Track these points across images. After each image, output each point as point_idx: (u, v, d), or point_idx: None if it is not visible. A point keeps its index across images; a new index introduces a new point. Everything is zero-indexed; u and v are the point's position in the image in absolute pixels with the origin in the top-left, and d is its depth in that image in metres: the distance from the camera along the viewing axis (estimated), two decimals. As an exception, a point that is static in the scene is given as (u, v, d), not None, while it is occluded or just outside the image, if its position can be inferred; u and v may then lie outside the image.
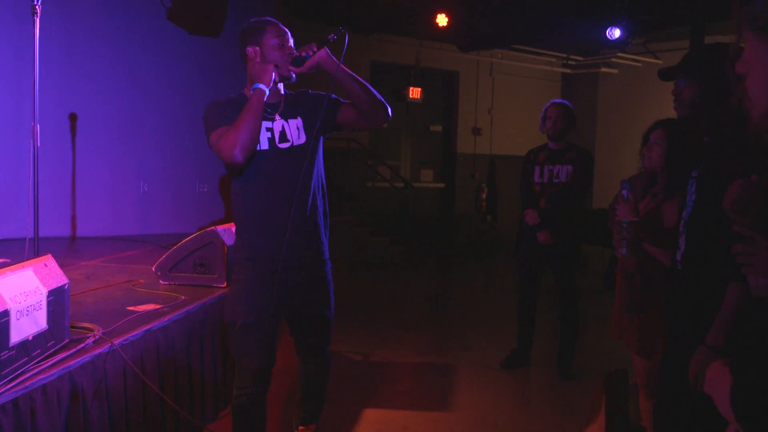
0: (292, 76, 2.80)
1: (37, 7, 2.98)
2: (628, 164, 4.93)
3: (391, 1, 7.90)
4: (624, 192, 3.05)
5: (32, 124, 3.21)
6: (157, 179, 6.77)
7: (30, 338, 2.26)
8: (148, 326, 3.01)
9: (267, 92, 2.66)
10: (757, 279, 1.50)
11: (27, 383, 2.18)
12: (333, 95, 2.81)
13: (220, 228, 3.99)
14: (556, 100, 4.95)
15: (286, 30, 2.85)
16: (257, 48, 2.77)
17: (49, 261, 2.56)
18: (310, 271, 2.82)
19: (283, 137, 2.76)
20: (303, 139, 2.78)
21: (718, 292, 2.09)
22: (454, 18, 8.43)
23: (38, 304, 2.32)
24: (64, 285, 2.55)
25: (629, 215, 2.98)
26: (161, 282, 3.97)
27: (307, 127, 2.79)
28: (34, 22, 2.98)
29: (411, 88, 11.19)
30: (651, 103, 11.83)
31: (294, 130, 2.78)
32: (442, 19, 8.33)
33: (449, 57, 11.67)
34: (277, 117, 2.77)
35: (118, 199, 6.57)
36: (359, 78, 2.76)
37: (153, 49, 6.62)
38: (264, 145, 2.72)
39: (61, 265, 2.68)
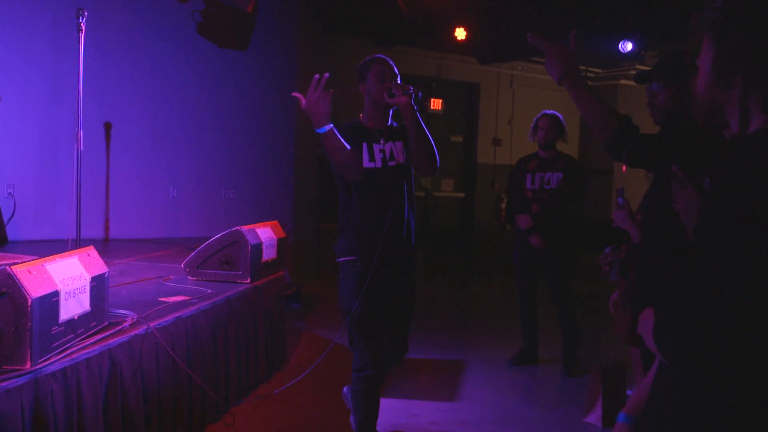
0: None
1: (82, 24, 3.30)
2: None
3: (413, 16, 8.18)
4: (620, 200, 3.31)
5: (76, 130, 3.53)
6: (185, 185, 7.10)
7: (75, 317, 2.56)
8: (179, 314, 3.30)
9: (325, 130, 3.15)
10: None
11: (73, 356, 2.47)
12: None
13: (244, 228, 4.27)
14: (548, 111, 5.26)
15: (392, 65, 3.36)
16: (363, 84, 3.36)
17: (91, 252, 2.86)
18: (404, 268, 3.39)
19: (392, 156, 3.32)
20: (403, 158, 3.34)
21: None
22: (473, 31, 8.70)
23: (83, 288, 2.62)
24: (105, 273, 2.84)
25: (625, 222, 3.22)
26: (189, 278, 4.26)
27: (406, 150, 3.35)
28: (78, 38, 3.30)
29: (432, 100, 11.44)
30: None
31: (398, 152, 3.34)
32: (460, 33, 8.61)
33: (470, 69, 11.91)
34: (382, 141, 3.33)
35: (148, 204, 6.90)
36: (425, 130, 3.27)
37: (184, 61, 6.97)
38: (378, 163, 3.29)
39: (102, 256, 2.97)
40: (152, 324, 3.02)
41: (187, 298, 3.66)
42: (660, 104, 2.59)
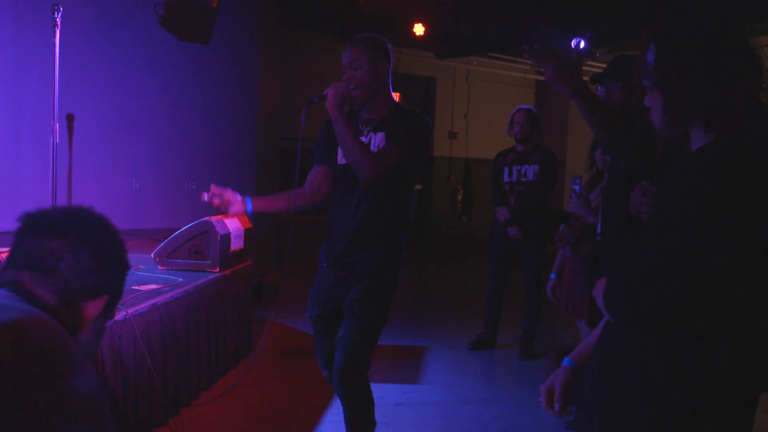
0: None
1: (57, 19, 3.38)
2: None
3: (372, 10, 8.32)
4: (576, 187, 3.52)
5: (52, 122, 3.60)
6: (148, 177, 7.13)
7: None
8: (153, 301, 3.41)
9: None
10: None
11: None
12: (390, 132, 2.93)
13: (213, 219, 4.38)
14: (522, 106, 5.44)
15: (349, 52, 2.98)
16: None
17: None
18: (365, 283, 2.92)
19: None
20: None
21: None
22: (431, 27, 8.88)
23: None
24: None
25: (581, 209, 3.45)
26: (159, 267, 4.36)
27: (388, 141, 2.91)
28: (54, 33, 3.38)
29: (390, 94, 11.59)
30: (620, 109, 12.35)
31: (376, 145, 2.92)
32: (419, 29, 8.79)
33: (427, 64, 12.11)
34: (366, 131, 2.97)
35: (111, 196, 6.92)
36: (347, 135, 2.81)
37: (146, 54, 6.99)
38: (341, 159, 2.96)
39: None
40: (130, 311, 3.13)
41: (159, 286, 3.76)
42: (616, 103, 2.78)
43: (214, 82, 7.33)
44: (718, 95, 1.46)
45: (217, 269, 4.29)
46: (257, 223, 7.61)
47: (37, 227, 1.41)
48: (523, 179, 5.27)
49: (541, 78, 13.59)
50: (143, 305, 3.30)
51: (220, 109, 7.40)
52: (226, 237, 4.42)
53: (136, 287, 3.69)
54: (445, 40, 9.98)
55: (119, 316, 3.03)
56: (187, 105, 7.20)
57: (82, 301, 1.40)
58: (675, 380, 1.43)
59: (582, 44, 7.83)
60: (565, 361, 1.77)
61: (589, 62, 12.13)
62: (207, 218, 4.34)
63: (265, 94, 7.94)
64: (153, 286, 3.75)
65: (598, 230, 2.86)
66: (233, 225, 4.62)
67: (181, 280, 3.97)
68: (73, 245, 1.39)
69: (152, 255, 4.40)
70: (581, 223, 3.61)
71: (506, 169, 5.35)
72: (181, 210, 7.00)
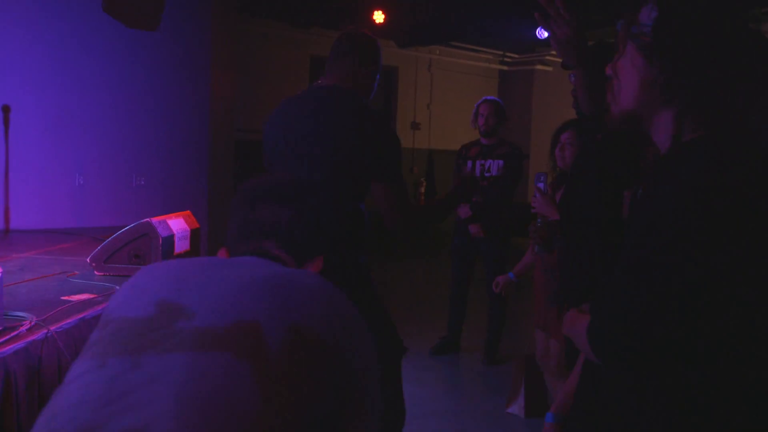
0: None
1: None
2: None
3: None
4: (540, 185, 3.25)
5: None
6: (93, 172, 6.75)
7: (-37, 325, 2.33)
8: (83, 314, 3.08)
9: None
10: None
11: (-39, 368, 2.24)
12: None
13: (154, 220, 4.05)
14: (488, 98, 5.19)
15: None
16: None
17: (-18, 251, 2.62)
18: None
19: None
20: None
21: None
22: (392, 15, 8.59)
23: (-28, 292, 2.39)
24: (-2, 273, 2.61)
25: (546, 207, 3.19)
26: (96, 273, 4.02)
27: None
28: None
29: (350, 83, 11.34)
30: (583, 100, 12.23)
31: None
32: (379, 16, 8.50)
33: (388, 53, 11.82)
34: None
35: (52, 192, 6.53)
36: None
37: (89, 41, 6.60)
38: None
39: (-5, 255, 2.74)
40: (53, 327, 2.80)
41: (93, 296, 3.43)
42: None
43: (163, 71, 6.97)
44: (724, 84, 1.21)
45: (160, 274, 3.97)
46: (210, 219, 7.29)
47: (267, 197, 1.53)
48: (487, 174, 5.02)
49: (505, 68, 13.42)
50: (70, 320, 2.97)
51: (170, 100, 7.04)
52: (169, 239, 4.09)
53: (66, 298, 3.36)
54: (407, 29, 9.70)
55: (39, 334, 2.71)
56: (134, 95, 6.82)
57: (309, 263, 1.54)
58: (685, 423, 1.20)
59: (546, 33, 7.56)
60: (548, 417, 1.55)
61: (553, 51, 11.98)
62: (147, 219, 4.02)
63: (218, 84, 7.59)
64: (85, 296, 3.42)
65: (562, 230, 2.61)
66: (177, 226, 4.30)
67: (117, 287, 3.64)
68: (302, 211, 1.52)
69: (88, 259, 4.06)
70: (553, 220, 3.36)
71: (469, 163, 5.09)
72: (129, 207, 6.64)
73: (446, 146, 12.56)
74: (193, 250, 4.53)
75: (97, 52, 6.67)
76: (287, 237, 1.49)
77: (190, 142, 7.29)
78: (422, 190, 12.73)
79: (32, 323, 2.79)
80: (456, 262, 5.15)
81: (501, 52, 12.98)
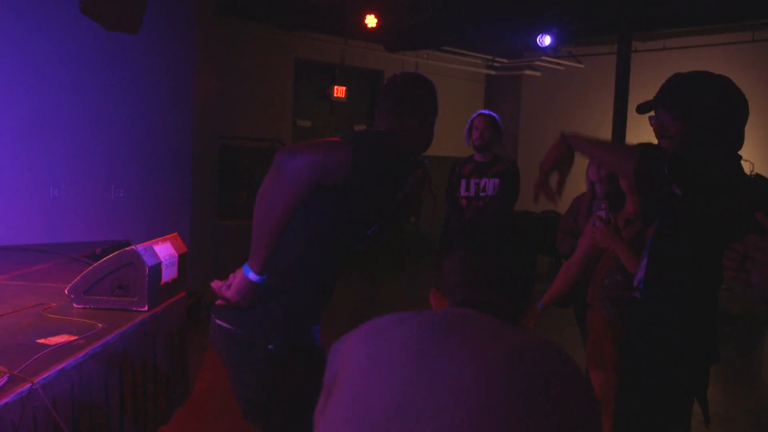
0: None
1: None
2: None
3: (318, 1, 7.70)
4: (602, 213, 2.78)
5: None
6: (68, 184, 6.35)
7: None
8: (62, 365, 2.72)
9: None
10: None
11: None
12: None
13: (140, 247, 3.69)
14: (483, 111, 4.90)
15: None
16: None
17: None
18: None
19: None
20: None
21: (675, 322, 2.09)
22: (383, 19, 8.29)
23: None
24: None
25: (610, 240, 2.72)
26: (75, 305, 3.65)
27: None
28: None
29: (335, 87, 11.08)
30: (572, 106, 12.02)
31: None
32: (371, 20, 8.18)
33: (375, 56, 11.53)
34: None
35: (25, 205, 6.12)
36: None
37: (65, 44, 6.21)
38: None
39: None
40: (36, 380, 2.44)
41: (73, 337, 3.06)
42: (674, 135, 2.15)
43: (143, 77, 6.59)
44: None
45: (146, 307, 3.60)
46: (193, 231, 6.93)
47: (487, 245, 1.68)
48: (482, 194, 4.70)
49: (492, 72, 13.15)
50: (50, 371, 2.62)
51: (150, 107, 6.65)
52: (156, 268, 3.73)
53: (42, 341, 2.99)
54: (398, 33, 9.40)
55: (24, 388, 2.35)
56: (113, 102, 6.43)
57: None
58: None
59: (548, 40, 7.31)
60: (539, 304, 1.61)
61: (543, 57, 11.75)
62: (132, 247, 3.65)
63: (201, 89, 7.22)
64: (64, 338, 3.05)
65: (637, 282, 2.28)
66: (164, 252, 3.94)
67: (101, 326, 3.27)
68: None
69: (66, 291, 3.69)
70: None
71: (463, 182, 4.76)
72: (107, 221, 6.27)
73: (432, 152, 12.12)
74: (181, 277, 4.18)
75: (75, 55, 6.29)
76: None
77: (172, 149, 6.91)
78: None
79: (7, 378, 2.43)
80: None
81: (490, 57, 12.72)
